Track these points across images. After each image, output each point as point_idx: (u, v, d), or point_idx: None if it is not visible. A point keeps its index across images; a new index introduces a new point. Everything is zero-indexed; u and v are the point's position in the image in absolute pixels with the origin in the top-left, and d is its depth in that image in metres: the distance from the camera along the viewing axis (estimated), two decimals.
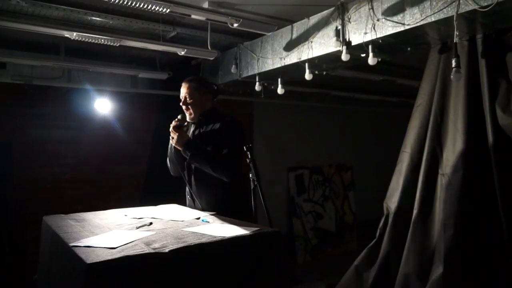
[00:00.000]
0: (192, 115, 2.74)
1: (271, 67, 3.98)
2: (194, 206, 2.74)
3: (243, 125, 2.77)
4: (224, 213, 2.40)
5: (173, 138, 2.68)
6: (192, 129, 2.81)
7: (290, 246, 6.00)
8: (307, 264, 5.84)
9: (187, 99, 2.71)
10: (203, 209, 2.60)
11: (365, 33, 3.12)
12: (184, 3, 3.10)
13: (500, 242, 2.86)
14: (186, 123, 2.77)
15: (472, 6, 2.46)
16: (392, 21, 2.94)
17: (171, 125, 2.69)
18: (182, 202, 2.98)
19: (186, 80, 2.78)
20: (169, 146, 2.85)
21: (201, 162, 2.57)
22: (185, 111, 2.75)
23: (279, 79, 4.23)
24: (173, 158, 2.80)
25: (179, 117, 2.71)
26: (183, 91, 2.74)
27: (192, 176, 2.72)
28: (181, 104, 2.75)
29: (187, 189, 2.84)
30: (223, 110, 2.92)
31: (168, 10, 3.04)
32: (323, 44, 3.45)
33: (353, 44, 3.22)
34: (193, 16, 3.22)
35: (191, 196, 2.77)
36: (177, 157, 2.74)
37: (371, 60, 3.18)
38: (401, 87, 5.87)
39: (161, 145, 5.29)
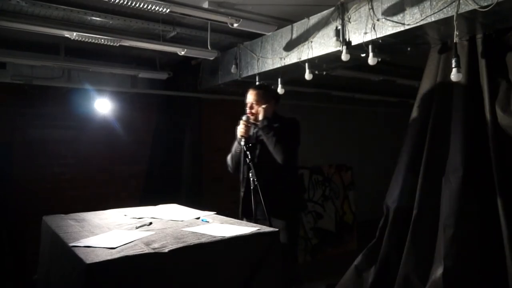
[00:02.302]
0: (255, 117, 2.95)
1: (271, 67, 3.98)
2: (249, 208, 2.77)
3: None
4: (283, 207, 2.76)
5: (240, 129, 2.85)
6: (255, 130, 2.97)
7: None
8: (307, 264, 5.84)
9: (254, 105, 2.96)
10: (264, 208, 2.69)
11: (365, 33, 3.11)
12: (184, 3, 3.10)
13: (500, 242, 2.86)
14: (250, 122, 2.94)
15: (472, 6, 2.46)
16: (392, 21, 2.94)
17: (241, 121, 2.87)
18: (182, 202, 2.99)
19: (253, 87, 3.06)
20: (234, 145, 3.01)
21: (269, 138, 2.81)
22: (248, 113, 2.96)
23: (279, 79, 4.23)
24: (236, 155, 2.98)
25: (244, 118, 2.89)
26: (251, 98, 2.99)
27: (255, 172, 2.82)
28: (247, 108, 2.98)
29: (241, 192, 2.92)
30: (281, 112, 3.12)
31: (168, 10, 3.04)
32: (323, 44, 3.45)
33: (353, 44, 3.22)
34: (193, 16, 3.22)
35: (249, 196, 2.80)
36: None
37: (371, 60, 3.17)
38: (401, 87, 5.87)
39: (161, 145, 5.34)
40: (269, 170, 2.79)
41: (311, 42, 3.53)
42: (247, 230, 1.99)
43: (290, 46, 3.76)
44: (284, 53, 3.80)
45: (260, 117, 2.91)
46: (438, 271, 2.94)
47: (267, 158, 2.81)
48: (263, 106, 2.94)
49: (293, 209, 2.96)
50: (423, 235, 3.16)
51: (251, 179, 2.69)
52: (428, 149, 3.22)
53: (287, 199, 2.88)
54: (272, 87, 4.48)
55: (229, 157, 3.06)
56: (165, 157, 5.25)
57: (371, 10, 3.04)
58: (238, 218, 2.54)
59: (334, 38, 3.26)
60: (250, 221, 2.60)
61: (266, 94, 3.01)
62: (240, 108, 5.99)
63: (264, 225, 2.66)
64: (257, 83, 4.25)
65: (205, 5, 3.28)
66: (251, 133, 2.92)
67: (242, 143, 2.80)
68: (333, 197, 6.74)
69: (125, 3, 2.89)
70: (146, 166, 5.38)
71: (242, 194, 2.90)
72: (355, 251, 4.64)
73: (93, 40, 3.55)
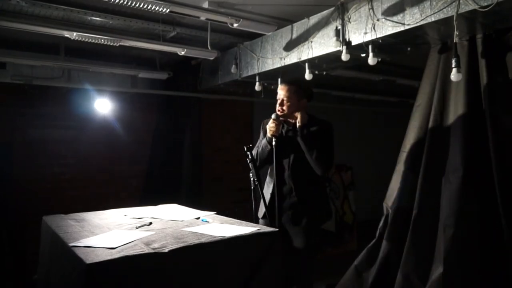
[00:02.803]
0: (285, 112, 2.77)
1: (271, 67, 3.98)
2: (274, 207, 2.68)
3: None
4: (313, 211, 2.69)
5: (271, 128, 2.71)
6: (284, 129, 2.83)
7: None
8: None
9: (285, 101, 2.76)
10: (291, 208, 2.68)
11: (365, 33, 3.11)
12: (184, 3, 3.10)
13: (500, 242, 2.86)
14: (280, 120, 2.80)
15: (472, 6, 2.46)
16: (392, 21, 2.94)
17: (272, 118, 2.73)
18: (182, 202, 2.99)
19: (285, 83, 2.83)
20: (262, 143, 2.84)
21: (308, 148, 2.67)
22: (278, 110, 2.79)
23: (279, 79, 4.23)
24: (265, 154, 2.81)
25: (273, 116, 2.74)
26: (282, 93, 2.78)
27: (288, 171, 2.76)
28: (277, 104, 2.79)
29: (270, 186, 2.80)
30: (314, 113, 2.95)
31: (168, 10, 3.04)
32: (323, 44, 3.45)
33: (353, 44, 3.22)
34: (193, 16, 3.22)
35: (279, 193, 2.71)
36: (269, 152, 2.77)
37: (371, 60, 3.17)
38: (401, 87, 5.87)
39: (161, 145, 5.34)
40: (302, 174, 2.71)
41: (311, 42, 3.53)
42: (247, 230, 1.99)
43: (290, 46, 3.76)
44: (284, 53, 3.80)
45: (300, 120, 2.71)
46: (438, 271, 2.94)
47: (299, 162, 2.71)
48: (294, 104, 2.76)
49: (320, 218, 2.86)
50: (423, 235, 3.16)
51: (251, 179, 2.60)
52: (428, 149, 3.22)
53: (318, 207, 2.78)
54: (272, 87, 4.50)
55: (256, 153, 2.88)
56: (165, 157, 5.25)
57: (371, 10, 3.04)
58: (238, 218, 2.44)
59: (334, 38, 3.26)
60: (272, 224, 2.50)
61: (299, 90, 2.81)
62: (240, 108, 6.05)
63: (292, 230, 2.70)
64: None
65: (205, 5, 3.28)
66: (280, 131, 2.78)
67: (274, 142, 2.68)
68: (333, 197, 6.74)
69: (125, 3, 2.89)
70: (146, 166, 5.38)
71: (269, 195, 2.75)
72: (355, 251, 4.63)
73: (93, 40, 3.55)
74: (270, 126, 2.72)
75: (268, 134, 2.74)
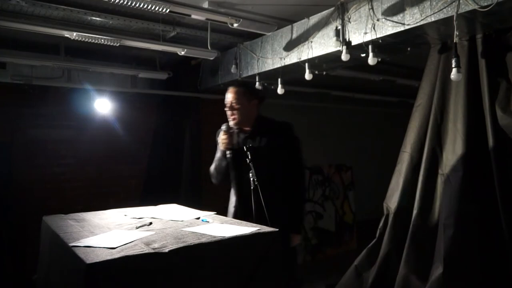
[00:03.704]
0: (237, 120, 2.63)
1: (271, 67, 3.98)
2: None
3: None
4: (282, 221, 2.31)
5: (223, 141, 2.57)
6: (240, 138, 2.67)
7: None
8: (307, 264, 5.84)
9: (234, 104, 2.62)
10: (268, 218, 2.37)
11: (365, 33, 3.11)
12: (184, 3, 3.10)
13: (500, 242, 2.86)
14: (232, 130, 2.67)
15: (472, 6, 2.46)
16: (392, 21, 2.94)
17: (222, 129, 2.60)
18: (182, 202, 2.98)
19: (233, 85, 2.71)
20: (217, 157, 2.71)
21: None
22: (229, 116, 2.65)
23: (279, 79, 4.23)
24: (221, 168, 2.67)
25: (223, 127, 2.61)
26: (230, 97, 2.64)
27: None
28: (226, 109, 2.66)
29: (233, 200, 2.67)
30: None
31: (168, 10, 3.04)
32: (323, 44, 3.45)
33: (353, 44, 3.22)
34: (193, 16, 3.22)
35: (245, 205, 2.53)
36: (233, 164, 2.59)
37: (371, 60, 3.17)
38: (401, 87, 5.87)
39: (161, 145, 5.33)
40: (270, 188, 2.45)
41: (311, 42, 3.53)
42: (247, 230, 1.98)
43: (290, 46, 3.76)
44: (284, 53, 3.80)
45: (237, 121, 2.55)
46: (438, 271, 2.94)
47: (263, 175, 2.44)
48: (244, 106, 2.61)
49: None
50: (423, 235, 3.16)
51: (251, 179, 2.45)
52: (428, 149, 3.22)
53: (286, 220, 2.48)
54: (272, 87, 4.50)
55: (212, 168, 2.74)
56: (165, 157, 5.25)
57: (371, 10, 3.04)
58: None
59: (334, 38, 3.26)
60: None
61: (247, 92, 2.66)
62: None
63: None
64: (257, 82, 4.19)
65: (205, 5, 3.28)
66: (235, 141, 2.62)
67: (228, 154, 2.53)
68: (333, 197, 6.74)
69: (125, 3, 2.89)
70: (146, 166, 5.38)
71: (235, 202, 2.62)
72: (355, 251, 4.64)
73: (93, 40, 3.55)
74: (222, 138, 2.57)
75: (221, 147, 2.60)
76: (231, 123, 2.65)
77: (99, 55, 4.63)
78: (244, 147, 2.53)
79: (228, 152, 2.57)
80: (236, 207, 2.63)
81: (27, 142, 4.66)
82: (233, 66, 4.33)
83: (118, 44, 3.66)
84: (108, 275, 1.53)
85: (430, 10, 2.70)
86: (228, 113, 2.65)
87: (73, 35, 3.41)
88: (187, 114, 5.37)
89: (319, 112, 6.95)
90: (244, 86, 2.74)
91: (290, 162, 2.59)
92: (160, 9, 3.01)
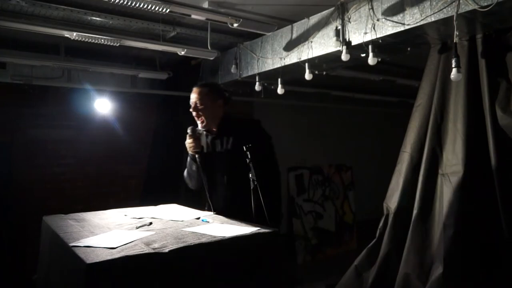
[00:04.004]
0: (204, 123, 2.60)
1: (271, 67, 3.98)
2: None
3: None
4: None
5: (190, 145, 2.54)
6: (208, 139, 2.65)
7: (290, 246, 6.00)
8: (307, 264, 5.84)
9: (198, 105, 2.58)
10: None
11: (365, 33, 3.11)
12: (184, 3, 3.10)
13: (500, 242, 2.86)
14: (199, 132, 2.63)
15: (472, 6, 2.46)
16: (392, 21, 2.94)
17: (187, 134, 2.57)
18: (182, 202, 2.98)
19: (197, 86, 2.66)
20: (187, 162, 2.68)
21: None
22: (195, 118, 2.62)
23: (279, 79, 4.23)
24: (193, 172, 2.63)
25: (189, 131, 2.57)
26: (194, 97, 2.61)
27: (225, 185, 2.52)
28: (191, 110, 2.62)
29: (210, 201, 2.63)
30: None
31: (168, 10, 3.04)
32: (323, 44, 3.45)
33: (353, 44, 3.22)
34: (193, 16, 3.22)
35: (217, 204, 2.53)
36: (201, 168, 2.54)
37: (371, 60, 3.17)
38: (401, 87, 5.87)
39: (161, 145, 5.33)
40: (243, 191, 2.35)
41: (311, 42, 3.53)
42: (247, 230, 1.98)
43: (290, 46, 3.76)
44: (284, 53, 3.80)
45: (205, 123, 2.50)
46: (438, 271, 2.94)
47: (236, 178, 2.41)
48: (209, 106, 2.57)
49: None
50: (423, 235, 3.16)
51: (251, 179, 2.39)
52: (428, 149, 3.22)
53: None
54: (272, 87, 4.50)
55: (186, 175, 2.70)
56: (165, 157, 5.24)
57: (371, 10, 3.04)
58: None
59: (334, 38, 3.26)
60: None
61: (211, 92, 2.62)
62: (240, 108, 6.04)
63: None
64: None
65: (205, 5, 3.28)
66: (203, 143, 2.59)
67: (198, 158, 2.48)
68: (333, 197, 6.75)
69: (125, 3, 2.89)
70: (146, 166, 5.38)
71: (210, 206, 2.55)
72: (355, 251, 4.64)
73: (93, 40, 3.55)
74: (188, 143, 2.52)
75: (189, 152, 2.55)
76: (199, 125, 2.61)
77: (99, 55, 4.63)
78: (244, 147, 2.44)
79: (196, 156, 2.52)
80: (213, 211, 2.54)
81: (27, 142, 4.67)
82: (233, 66, 4.33)
83: (118, 44, 3.66)
84: (108, 275, 1.53)
85: (430, 10, 2.70)
86: (193, 114, 2.61)
87: (73, 35, 3.41)
88: (187, 114, 5.36)
89: (319, 112, 6.95)
90: (208, 86, 2.70)
91: (262, 159, 2.47)
92: (160, 9, 3.01)
